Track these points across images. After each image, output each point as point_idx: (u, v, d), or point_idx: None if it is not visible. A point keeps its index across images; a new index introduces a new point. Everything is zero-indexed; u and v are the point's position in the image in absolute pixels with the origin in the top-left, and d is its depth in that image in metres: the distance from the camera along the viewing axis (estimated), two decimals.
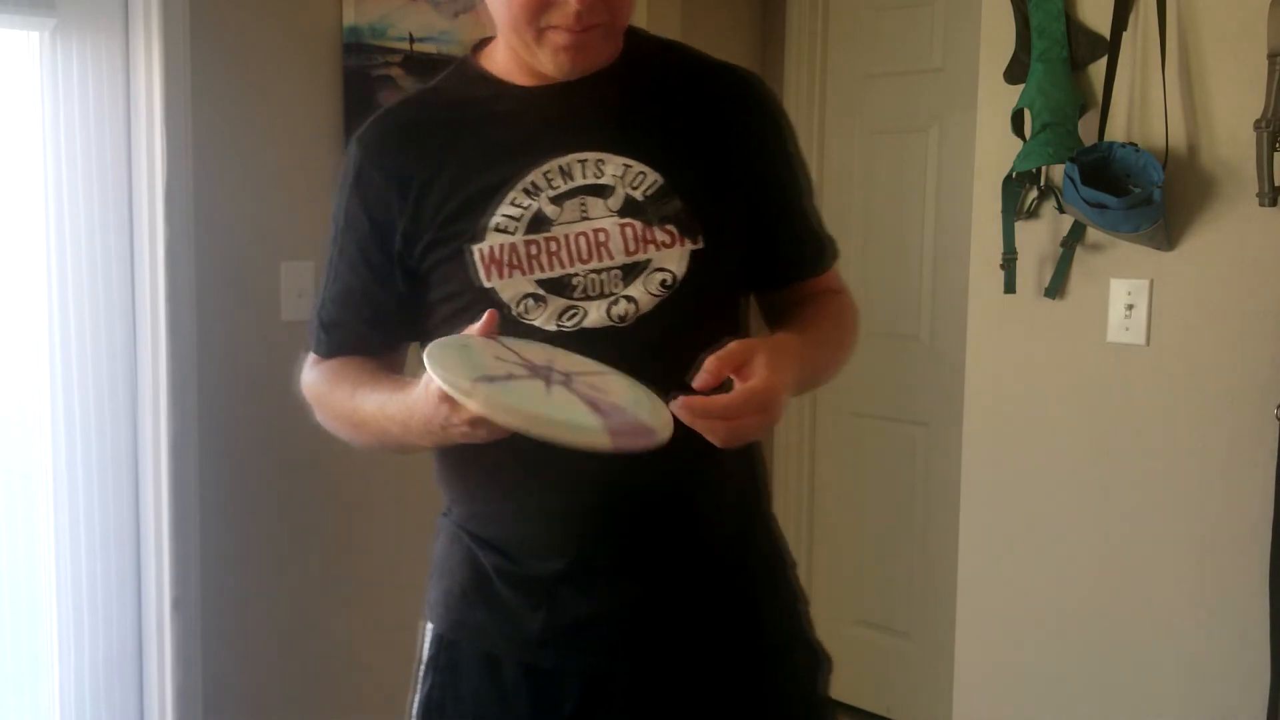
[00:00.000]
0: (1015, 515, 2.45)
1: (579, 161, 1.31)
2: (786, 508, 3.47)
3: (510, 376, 1.11)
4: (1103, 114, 2.24)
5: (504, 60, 1.36)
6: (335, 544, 2.59)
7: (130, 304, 2.36)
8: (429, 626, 1.42)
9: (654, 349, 1.25)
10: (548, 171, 1.30)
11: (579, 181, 1.30)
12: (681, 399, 1.11)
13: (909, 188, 3.26)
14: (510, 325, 1.26)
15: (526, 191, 1.30)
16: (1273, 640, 2.08)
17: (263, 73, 2.43)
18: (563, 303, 1.28)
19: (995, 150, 2.38)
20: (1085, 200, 2.13)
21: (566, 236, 1.29)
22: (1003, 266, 2.35)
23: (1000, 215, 2.34)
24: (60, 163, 2.27)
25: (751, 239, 1.38)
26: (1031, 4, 2.29)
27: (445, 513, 1.44)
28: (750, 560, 1.41)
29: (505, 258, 1.29)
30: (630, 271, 1.29)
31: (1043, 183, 2.32)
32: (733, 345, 1.16)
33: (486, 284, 1.29)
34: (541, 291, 1.28)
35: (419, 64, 2.59)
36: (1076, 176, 2.14)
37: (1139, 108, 2.22)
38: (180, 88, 2.29)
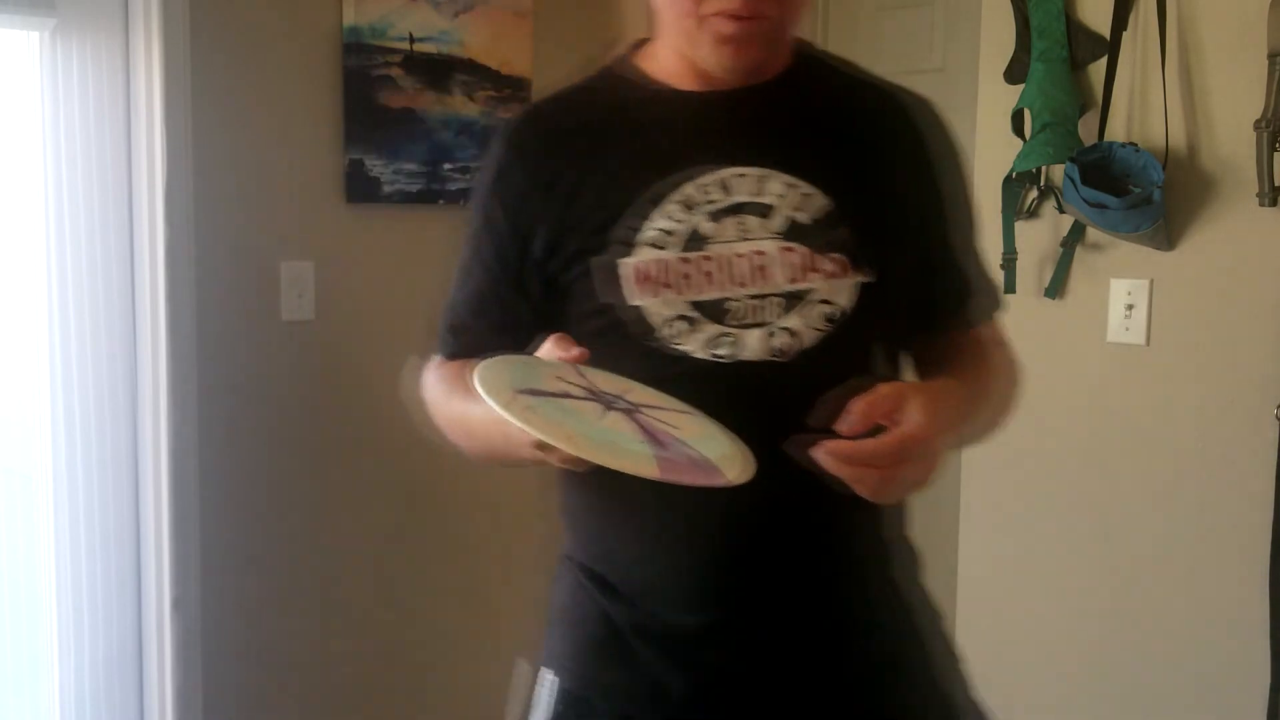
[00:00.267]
0: (1015, 515, 2.44)
1: (739, 176, 1.20)
2: None
3: (565, 395, 1.03)
4: (1103, 114, 2.24)
5: (664, 60, 1.26)
6: (335, 544, 2.59)
7: (130, 304, 2.36)
8: (552, 678, 1.30)
9: (816, 389, 1.09)
10: (706, 185, 1.20)
11: (738, 198, 1.19)
12: (825, 443, 1.01)
13: None
14: (656, 350, 1.17)
15: (683, 205, 1.19)
16: (1273, 640, 2.08)
17: (263, 73, 2.43)
18: (716, 329, 1.17)
19: (995, 150, 2.37)
20: (1085, 200, 2.13)
21: (724, 257, 1.18)
22: (1003, 266, 2.35)
23: (1000, 215, 2.34)
24: (60, 163, 2.27)
25: (912, 279, 1.25)
26: (1031, 4, 2.29)
27: (568, 556, 1.33)
28: (903, 615, 1.32)
29: (657, 275, 1.18)
30: (790, 300, 1.18)
31: (1043, 183, 2.32)
32: (882, 388, 1.05)
33: (634, 301, 1.18)
34: (695, 314, 1.17)
35: (419, 64, 2.59)
36: (1076, 176, 2.14)
37: (1139, 108, 2.22)
38: (180, 88, 2.29)
